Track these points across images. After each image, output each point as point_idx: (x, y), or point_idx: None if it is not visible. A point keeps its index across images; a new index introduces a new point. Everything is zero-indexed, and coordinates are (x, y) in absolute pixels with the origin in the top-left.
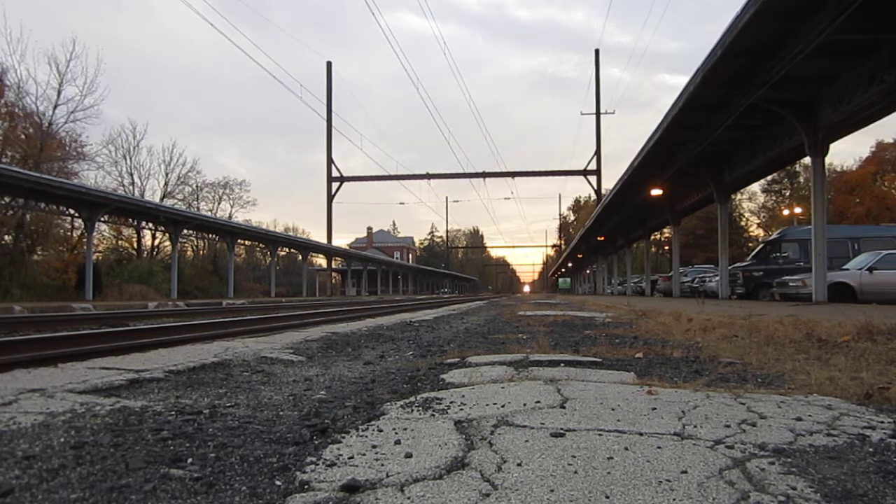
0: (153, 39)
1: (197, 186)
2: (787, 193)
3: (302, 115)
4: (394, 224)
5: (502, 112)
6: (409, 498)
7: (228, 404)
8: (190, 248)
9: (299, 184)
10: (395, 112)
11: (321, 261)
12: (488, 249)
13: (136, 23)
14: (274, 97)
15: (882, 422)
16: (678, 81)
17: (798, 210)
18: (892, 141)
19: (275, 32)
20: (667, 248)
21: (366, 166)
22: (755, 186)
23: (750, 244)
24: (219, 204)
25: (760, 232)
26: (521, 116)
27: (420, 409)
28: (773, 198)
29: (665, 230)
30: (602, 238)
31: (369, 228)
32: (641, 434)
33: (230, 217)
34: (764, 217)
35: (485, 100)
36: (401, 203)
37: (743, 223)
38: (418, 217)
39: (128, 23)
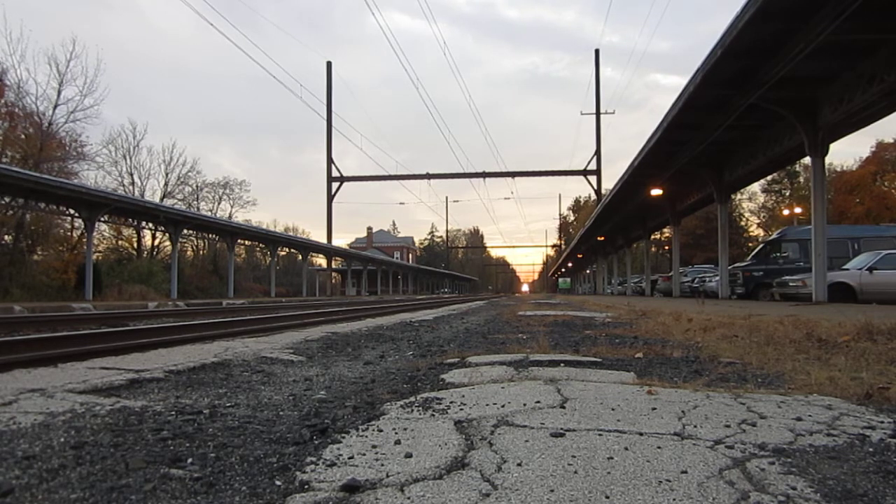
0: (144, 39)
1: (197, 186)
2: (787, 193)
3: (296, 115)
4: (393, 224)
5: (496, 112)
6: (409, 498)
7: (228, 404)
8: (190, 248)
9: (295, 183)
10: (388, 111)
11: (321, 261)
12: (488, 249)
13: (126, 23)
14: (267, 97)
15: (882, 422)
16: (670, 81)
17: (798, 210)
18: (892, 141)
19: (266, 33)
20: (667, 248)
21: (362, 166)
22: (755, 186)
23: (750, 244)
24: (219, 204)
25: (760, 232)
26: (515, 116)
27: (420, 409)
28: (773, 198)
29: (665, 230)
30: (602, 238)
31: (369, 228)
32: (641, 434)
33: (230, 217)
34: (764, 217)
35: (478, 99)
36: (400, 203)
37: (743, 223)
38: (418, 217)
39: (118, 23)
